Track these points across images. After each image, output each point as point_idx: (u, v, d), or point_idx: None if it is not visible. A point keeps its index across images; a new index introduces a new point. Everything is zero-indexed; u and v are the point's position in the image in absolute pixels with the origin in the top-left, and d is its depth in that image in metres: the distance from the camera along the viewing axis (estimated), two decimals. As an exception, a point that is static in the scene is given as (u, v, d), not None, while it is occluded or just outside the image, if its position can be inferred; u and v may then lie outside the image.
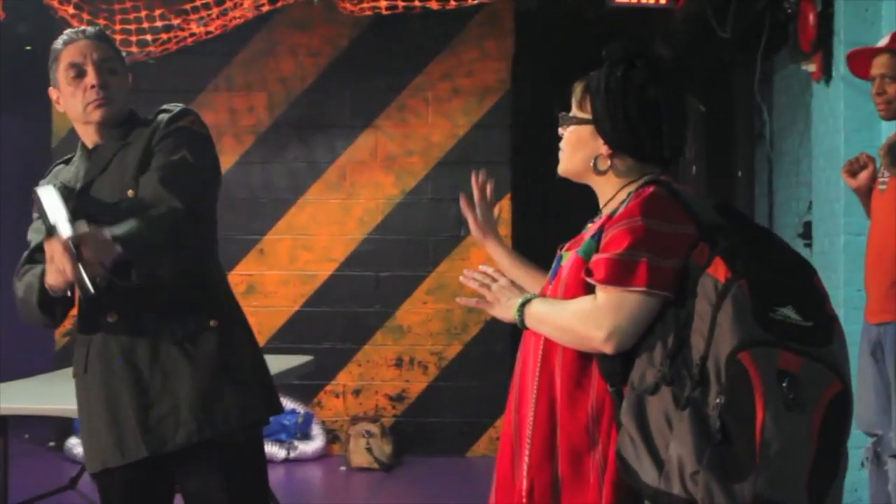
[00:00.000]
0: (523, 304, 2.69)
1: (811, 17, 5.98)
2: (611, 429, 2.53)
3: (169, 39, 6.99)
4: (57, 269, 2.88)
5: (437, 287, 8.13)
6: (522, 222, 8.22)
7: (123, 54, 3.49)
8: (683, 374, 2.37)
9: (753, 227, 2.61)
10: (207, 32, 6.99)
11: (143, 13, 6.82)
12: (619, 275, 2.45)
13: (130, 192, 3.22)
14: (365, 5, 6.94)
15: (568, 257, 2.68)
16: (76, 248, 2.84)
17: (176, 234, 3.14)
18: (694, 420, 2.31)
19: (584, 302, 2.53)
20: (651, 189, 2.54)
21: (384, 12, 6.99)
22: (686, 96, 2.74)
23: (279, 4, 7.00)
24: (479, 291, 2.82)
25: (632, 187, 2.62)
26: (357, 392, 8.21)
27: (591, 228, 2.69)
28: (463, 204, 3.19)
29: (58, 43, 3.34)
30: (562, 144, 2.77)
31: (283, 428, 7.85)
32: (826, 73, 5.95)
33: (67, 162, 3.47)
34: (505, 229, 8.05)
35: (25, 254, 3.36)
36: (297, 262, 8.22)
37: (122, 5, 6.83)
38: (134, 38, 6.82)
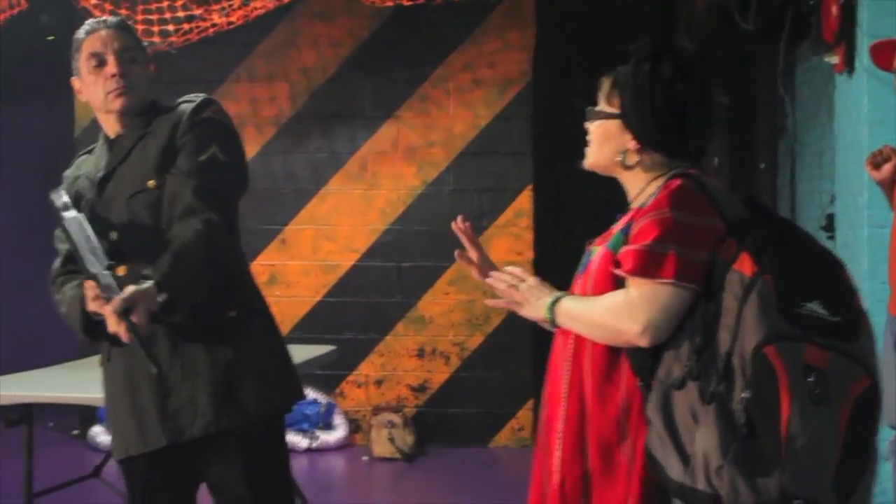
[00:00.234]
0: (554, 303, 2.68)
1: (834, 9, 5.95)
2: (640, 423, 2.53)
3: (191, 30, 7.00)
4: (109, 325, 2.96)
5: (459, 278, 8.13)
6: (544, 214, 8.22)
7: (145, 44, 3.51)
8: (710, 369, 2.36)
9: (781, 222, 2.60)
10: (229, 23, 7.00)
11: (166, 3, 6.83)
12: (647, 266, 2.45)
13: (151, 183, 3.24)
14: (387, -5, 6.95)
15: (597, 252, 2.68)
16: (127, 314, 2.92)
17: (215, 250, 3.16)
18: (719, 415, 2.31)
19: (616, 296, 2.53)
20: (679, 181, 2.54)
21: (406, 3, 7.00)
22: (714, 92, 2.73)
23: (301, -5, 7.01)
24: (507, 293, 2.81)
25: (660, 181, 2.62)
26: (379, 382, 8.22)
27: (619, 223, 2.69)
28: (460, 260, 3.13)
29: (80, 33, 3.37)
30: (589, 138, 2.77)
31: (306, 418, 7.87)
32: (849, 64, 5.92)
33: (91, 152, 3.49)
34: (526, 220, 8.06)
35: (57, 263, 3.39)
36: (320, 253, 8.23)
37: (145, -5, 6.86)
38: (156, 29, 6.84)
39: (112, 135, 3.38)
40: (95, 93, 3.34)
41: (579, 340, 2.65)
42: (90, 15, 6.36)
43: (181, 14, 6.89)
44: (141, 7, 6.83)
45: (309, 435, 7.92)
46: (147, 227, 3.24)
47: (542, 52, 8.24)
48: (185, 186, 3.20)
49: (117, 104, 3.31)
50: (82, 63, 3.34)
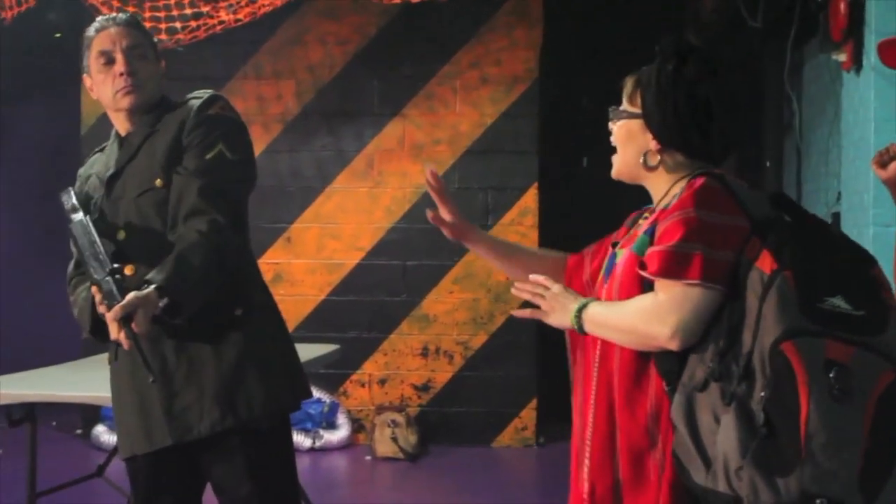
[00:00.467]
0: (580, 310, 2.63)
1: (842, 7, 5.93)
2: (669, 428, 2.48)
3: (198, 27, 6.98)
4: (110, 332, 2.99)
5: (464, 276, 8.12)
6: (549, 212, 8.20)
7: (155, 40, 3.51)
8: (732, 370, 2.33)
9: (807, 218, 2.54)
10: (236, 20, 6.99)
11: (173, 0, 6.82)
12: (674, 267, 2.41)
13: (158, 182, 3.24)
14: (394, -7, 6.94)
15: (622, 254, 2.64)
16: (127, 321, 2.93)
17: (219, 252, 3.15)
18: (739, 415, 2.27)
19: (644, 300, 2.49)
20: (702, 180, 2.50)
21: (413, 1, 6.98)
22: (739, 94, 2.69)
23: (308, -8, 7.00)
24: (533, 301, 2.75)
25: (683, 182, 2.58)
26: (383, 381, 8.21)
27: (643, 224, 2.65)
28: (433, 220, 3.11)
29: (90, 30, 3.37)
30: (613, 140, 2.73)
31: (309, 417, 7.87)
32: (856, 62, 5.90)
33: (103, 150, 3.50)
34: (531, 219, 8.05)
35: (72, 264, 3.40)
36: (325, 251, 8.22)
37: (152, -8, 6.85)
38: (163, 26, 6.82)
39: (123, 133, 3.38)
40: (105, 91, 3.34)
41: (606, 346, 2.63)
42: (98, 13, 6.35)
43: (188, 11, 6.88)
44: (148, 4, 6.82)
45: (312, 434, 7.91)
46: (154, 225, 3.24)
47: (549, 50, 8.23)
48: (191, 186, 3.19)
49: (125, 102, 3.31)
50: (92, 61, 3.35)
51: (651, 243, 2.52)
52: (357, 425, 8.19)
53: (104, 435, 7.75)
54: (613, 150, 2.75)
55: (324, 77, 8.24)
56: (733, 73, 2.69)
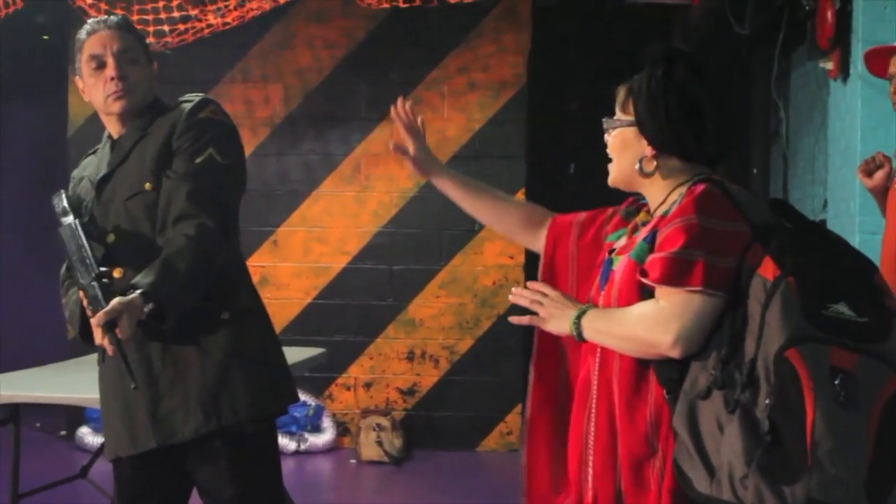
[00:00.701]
0: (579, 317, 2.62)
1: (829, 15, 5.95)
2: (669, 436, 2.47)
3: (186, 30, 6.98)
4: (95, 337, 3.02)
5: (450, 281, 8.13)
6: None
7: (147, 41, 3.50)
8: (735, 378, 2.31)
9: (808, 225, 2.53)
10: (225, 23, 6.99)
11: (161, 3, 6.82)
12: (676, 274, 2.40)
13: (148, 185, 3.24)
14: (382, -2, 6.94)
15: (620, 261, 2.62)
16: (111, 327, 2.93)
17: (207, 256, 3.15)
18: (743, 423, 2.26)
19: (644, 307, 2.47)
20: (703, 186, 2.49)
21: (401, 5, 6.98)
22: (728, 94, 2.69)
23: (296, -4, 7.00)
24: (530, 308, 2.73)
25: (682, 189, 2.58)
26: (368, 385, 8.21)
27: (642, 231, 2.64)
28: (396, 151, 3.12)
29: (81, 33, 3.36)
30: (609, 151, 2.72)
31: (294, 420, 7.86)
32: (843, 70, 5.92)
33: (96, 153, 3.49)
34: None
35: (64, 266, 3.39)
36: (311, 255, 8.22)
37: (140, -5, 6.85)
38: (151, 29, 6.82)
39: (115, 135, 3.38)
40: (96, 95, 3.34)
41: (606, 353, 2.61)
42: (86, 15, 6.34)
43: (176, 14, 6.88)
44: (136, 7, 6.82)
45: (297, 437, 7.90)
46: (144, 229, 3.23)
47: (537, 56, 8.23)
48: (180, 190, 3.19)
49: (116, 107, 3.31)
50: (83, 64, 3.34)
51: (651, 250, 2.51)
52: (342, 429, 8.18)
53: (88, 436, 7.73)
54: (606, 157, 2.74)
55: (312, 81, 8.24)
56: (721, 73, 2.69)
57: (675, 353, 2.42)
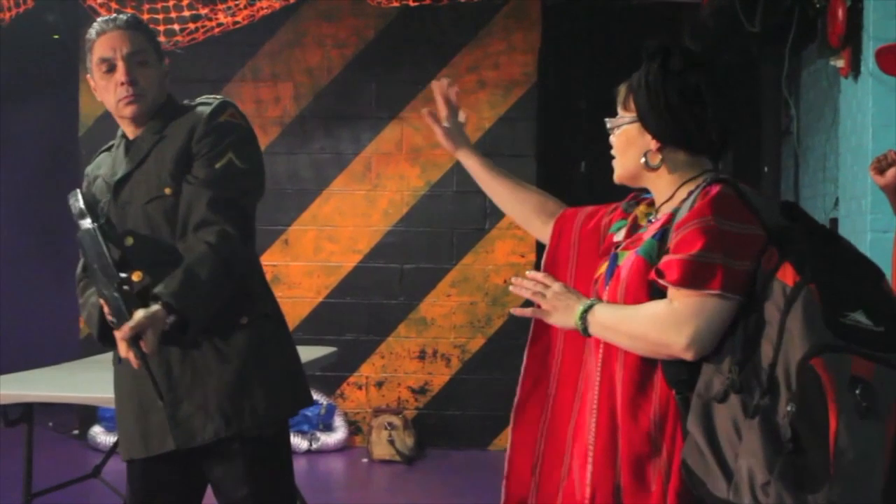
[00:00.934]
0: (585, 311, 2.59)
1: (840, 13, 5.94)
2: (675, 436, 2.46)
3: (196, 29, 6.99)
4: (119, 350, 3.04)
5: (462, 279, 8.13)
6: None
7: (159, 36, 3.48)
8: (752, 382, 2.29)
9: (820, 230, 2.51)
10: (235, 22, 6.99)
11: (171, 2, 6.82)
12: (696, 277, 2.37)
13: (167, 190, 3.22)
14: (392, -4, 6.94)
15: (626, 257, 2.60)
16: (136, 341, 2.95)
17: (228, 263, 3.15)
18: (764, 429, 2.24)
19: (657, 307, 2.45)
20: (718, 188, 2.47)
21: (411, 4, 6.99)
22: (728, 80, 2.67)
23: (306, -5, 7.00)
24: (533, 300, 2.71)
25: (691, 185, 2.56)
26: (380, 384, 8.21)
27: (649, 228, 2.62)
28: (427, 118, 3.12)
29: (91, 32, 3.32)
30: (613, 151, 2.71)
31: (306, 419, 7.86)
32: (854, 68, 5.91)
33: (110, 150, 3.47)
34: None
35: (80, 266, 3.39)
36: (322, 254, 8.22)
37: (150, -6, 6.85)
38: (161, 28, 6.83)
39: (130, 136, 3.35)
40: (107, 98, 3.31)
41: (609, 350, 2.59)
42: (96, 14, 6.36)
43: (187, 13, 6.88)
44: (147, 6, 6.82)
45: (309, 436, 7.91)
46: (163, 233, 3.23)
47: (547, 54, 8.23)
48: (201, 197, 3.18)
49: (128, 112, 3.29)
50: (94, 66, 3.31)
51: (661, 248, 2.49)
52: (354, 428, 8.19)
53: (101, 436, 7.74)
54: (612, 154, 2.73)
55: (322, 80, 8.24)
56: (719, 61, 2.68)
57: (688, 356, 2.40)
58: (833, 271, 2.33)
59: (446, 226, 8.15)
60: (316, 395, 7.77)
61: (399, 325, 8.20)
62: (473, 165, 3.13)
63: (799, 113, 7.66)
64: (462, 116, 3.14)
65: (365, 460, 7.78)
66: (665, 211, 2.61)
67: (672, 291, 2.43)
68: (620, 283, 2.57)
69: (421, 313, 8.19)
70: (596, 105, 2.80)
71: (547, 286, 2.70)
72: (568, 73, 8.65)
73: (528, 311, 2.75)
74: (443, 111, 3.08)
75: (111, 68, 3.27)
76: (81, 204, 3.14)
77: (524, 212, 3.06)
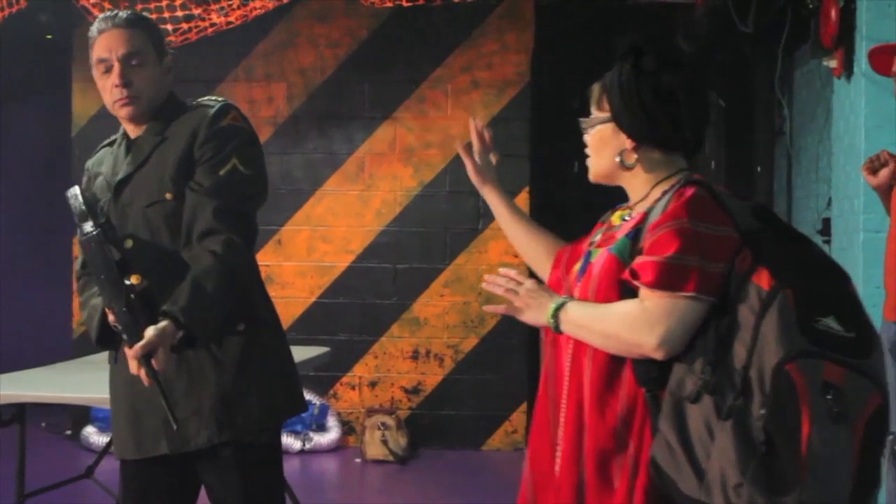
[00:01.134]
0: (557, 309, 2.60)
1: (833, 13, 5.95)
2: (643, 432, 2.46)
3: (189, 29, 6.98)
4: (130, 367, 2.99)
5: (455, 280, 8.13)
6: (540, 215, 8.17)
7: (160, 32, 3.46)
8: (725, 384, 2.31)
9: (792, 233, 2.54)
10: (228, 23, 6.99)
11: (164, 2, 6.81)
12: (671, 280, 2.38)
13: (168, 195, 3.18)
14: (385, -4, 6.94)
15: (598, 255, 2.61)
16: (148, 358, 2.93)
17: (234, 273, 3.13)
18: (737, 431, 2.26)
19: (628, 306, 2.46)
20: (693, 190, 2.47)
21: (405, 4, 6.99)
22: (702, 78, 2.67)
23: (299, -5, 6.99)
24: (505, 297, 2.72)
25: (666, 185, 2.57)
26: (373, 384, 8.21)
27: (623, 226, 2.62)
28: (461, 151, 3.09)
29: (92, 30, 3.29)
30: (587, 150, 2.72)
31: (299, 419, 7.84)
32: (847, 69, 5.92)
33: (112, 144, 3.44)
34: (523, 222, 8.03)
35: (79, 263, 3.37)
36: (315, 254, 8.22)
37: (143, -6, 6.84)
38: (154, 28, 6.81)
39: (131, 135, 3.32)
40: (106, 97, 3.29)
41: (579, 346, 2.59)
42: (89, 14, 6.35)
43: (180, 13, 6.87)
44: (140, 6, 6.80)
45: (302, 436, 7.91)
46: (163, 237, 3.20)
47: (541, 54, 8.23)
48: (206, 206, 3.15)
49: (123, 113, 3.27)
50: (93, 65, 3.29)
51: (633, 247, 2.50)
52: (347, 428, 8.19)
53: (93, 436, 7.74)
54: (587, 154, 2.74)
55: (315, 80, 8.24)
56: (692, 60, 2.69)
57: (658, 355, 2.41)
58: (806, 276, 2.35)
59: (439, 226, 8.15)
60: (309, 396, 7.77)
61: (392, 325, 8.20)
62: (497, 203, 3.14)
63: (792, 113, 7.68)
64: (494, 158, 3.14)
65: (358, 460, 7.78)
66: (639, 210, 2.62)
67: (644, 292, 2.43)
68: (592, 280, 2.58)
69: (414, 313, 8.19)
70: (589, 105, 2.79)
71: (519, 283, 2.71)
72: (561, 73, 8.65)
73: (500, 308, 2.77)
74: (477, 146, 3.07)
75: (108, 69, 3.24)
76: (83, 205, 3.11)
77: (537, 252, 3.06)
